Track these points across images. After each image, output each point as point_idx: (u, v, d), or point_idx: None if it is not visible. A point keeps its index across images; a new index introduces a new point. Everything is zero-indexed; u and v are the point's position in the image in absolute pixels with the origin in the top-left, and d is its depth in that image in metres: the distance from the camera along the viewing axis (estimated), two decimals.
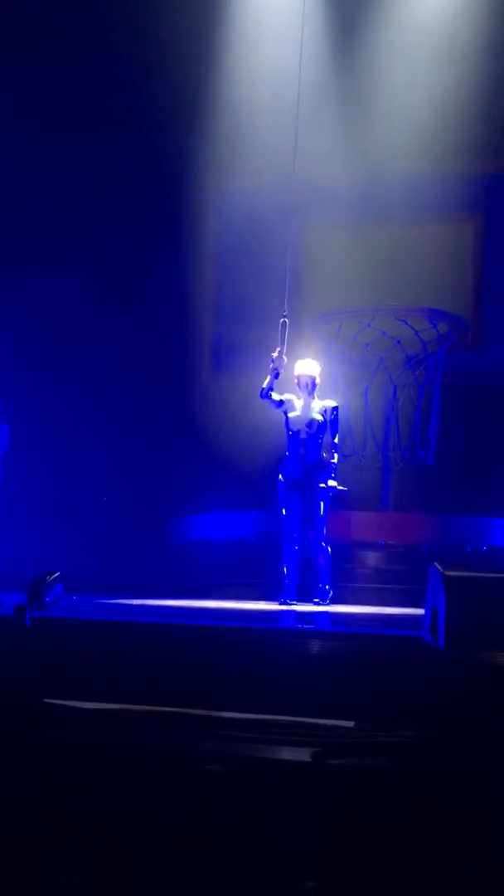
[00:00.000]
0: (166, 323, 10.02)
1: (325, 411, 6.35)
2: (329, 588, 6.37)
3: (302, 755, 3.01)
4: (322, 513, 6.35)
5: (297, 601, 6.33)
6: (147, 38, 9.33)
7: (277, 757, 3.05)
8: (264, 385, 6.21)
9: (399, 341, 8.66)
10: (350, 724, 3.22)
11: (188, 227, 10.29)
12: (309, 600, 6.36)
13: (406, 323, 8.52)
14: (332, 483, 6.31)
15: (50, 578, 3.96)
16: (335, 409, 6.41)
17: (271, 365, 6.18)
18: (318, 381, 6.38)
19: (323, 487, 6.28)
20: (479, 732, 2.98)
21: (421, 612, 3.98)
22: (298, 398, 6.34)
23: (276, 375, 6.17)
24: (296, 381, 6.36)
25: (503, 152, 9.36)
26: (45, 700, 3.42)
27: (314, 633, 3.85)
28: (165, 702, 3.46)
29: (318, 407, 6.36)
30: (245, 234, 9.98)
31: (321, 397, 6.46)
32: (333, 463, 6.36)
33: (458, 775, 2.69)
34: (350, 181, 9.34)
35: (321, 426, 6.32)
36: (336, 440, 6.41)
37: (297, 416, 6.30)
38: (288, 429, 6.32)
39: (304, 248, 9.94)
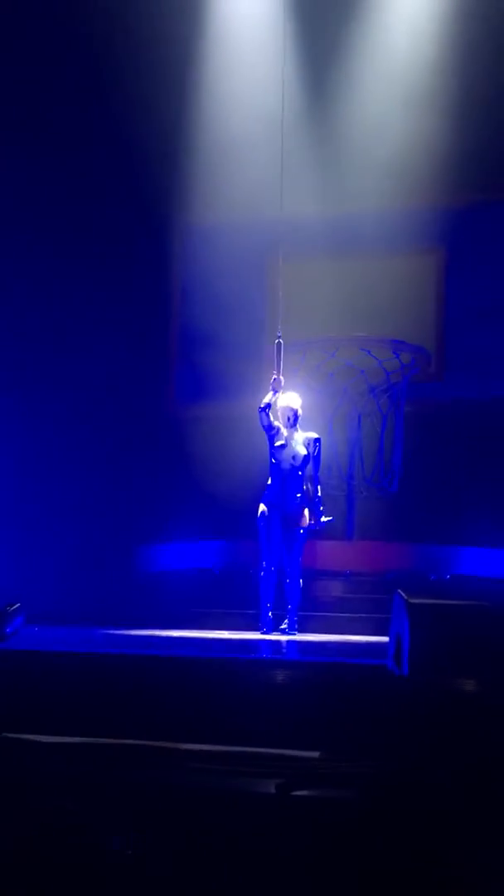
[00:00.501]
0: (135, 352, 10.02)
1: (309, 444, 6.40)
2: (296, 619, 6.39)
3: (267, 787, 2.98)
4: (301, 544, 6.34)
5: (276, 631, 6.34)
6: (127, 73, 9.44)
7: (242, 789, 3.02)
8: (265, 400, 6.32)
9: (363, 371, 8.74)
10: (315, 754, 3.20)
11: (160, 258, 10.36)
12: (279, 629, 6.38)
13: (370, 353, 8.59)
14: (323, 519, 6.39)
15: (10, 609, 3.90)
16: (317, 440, 6.47)
17: (271, 384, 6.33)
18: (300, 413, 6.41)
19: (309, 524, 6.35)
20: (445, 760, 2.98)
21: (386, 640, 3.99)
22: (283, 430, 6.37)
23: (276, 392, 6.32)
24: (279, 413, 6.35)
25: (464, 188, 9.57)
26: (4, 735, 3.36)
27: (278, 663, 3.83)
28: (129, 734, 3.41)
29: (302, 439, 6.42)
30: (215, 266, 10.08)
31: (303, 429, 6.50)
32: (319, 497, 6.42)
33: (425, 804, 2.68)
34: (318, 216, 9.49)
35: (305, 459, 6.38)
36: (318, 473, 6.46)
37: (282, 447, 6.33)
38: (272, 458, 6.34)
39: (272, 281, 10.06)
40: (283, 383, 6.37)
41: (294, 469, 6.35)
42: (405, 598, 3.39)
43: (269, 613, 6.40)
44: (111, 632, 6.24)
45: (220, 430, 9.52)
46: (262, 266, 10.06)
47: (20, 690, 3.61)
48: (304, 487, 6.41)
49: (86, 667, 3.80)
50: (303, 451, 6.36)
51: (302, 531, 6.42)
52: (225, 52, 9.87)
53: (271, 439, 6.38)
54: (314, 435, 6.50)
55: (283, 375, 6.44)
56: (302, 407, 6.53)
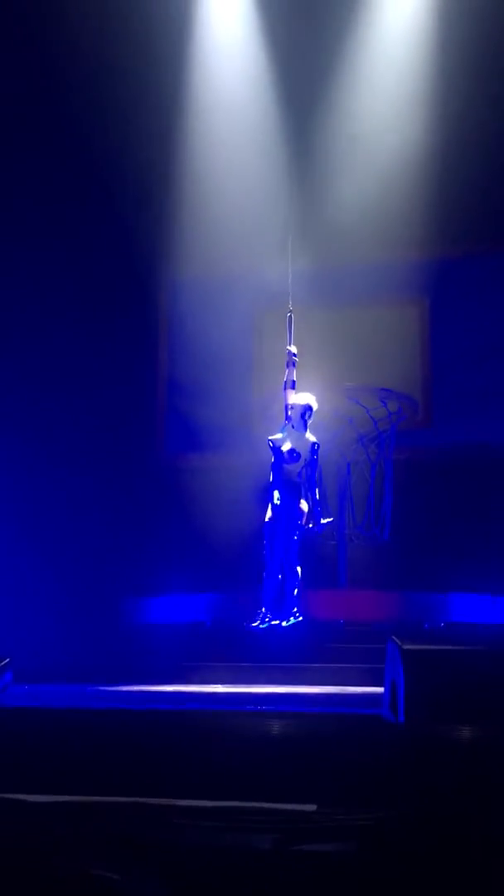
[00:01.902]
0: (124, 403, 10.06)
1: (307, 447, 6.44)
2: (297, 608, 6.55)
3: (263, 843, 2.91)
4: (297, 541, 6.55)
5: (274, 617, 6.51)
6: (115, 124, 9.65)
7: (238, 845, 2.94)
8: (287, 378, 6.63)
9: (351, 420, 8.79)
10: (312, 807, 3.13)
11: (148, 310, 10.47)
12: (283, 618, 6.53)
13: (357, 402, 8.65)
14: (323, 521, 6.42)
15: None
16: (312, 445, 6.43)
17: (287, 361, 6.66)
18: (307, 415, 6.55)
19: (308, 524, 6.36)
20: (444, 809, 2.92)
21: (381, 690, 3.94)
22: (292, 428, 6.49)
23: (293, 364, 6.58)
24: (291, 409, 6.56)
25: (446, 240, 9.76)
26: None
27: (273, 714, 3.77)
28: (121, 792, 3.34)
29: (302, 440, 6.49)
30: (204, 318, 10.19)
31: (312, 431, 6.61)
32: (318, 500, 6.46)
33: (425, 855, 2.62)
34: (303, 267, 9.63)
35: (298, 456, 6.44)
36: (315, 475, 6.46)
37: (285, 443, 6.41)
38: (274, 454, 6.48)
39: (259, 332, 10.18)
40: (296, 353, 6.60)
41: (290, 465, 6.41)
42: (399, 644, 3.35)
43: (270, 599, 6.57)
44: (101, 688, 6.14)
45: (210, 480, 9.52)
46: (250, 318, 10.19)
47: (9, 749, 3.53)
48: (301, 488, 6.46)
49: (76, 723, 3.73)
50: (299, 450, 6.39)
51: (298, 532, 6.45)
52: (212, 108, 10.10)
53: (274, 443, 6.46)
54: (312, 439, 6.57)
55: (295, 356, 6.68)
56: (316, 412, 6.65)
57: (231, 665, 7.16)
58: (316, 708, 4.34)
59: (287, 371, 6.54)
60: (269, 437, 6.55)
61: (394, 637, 3.47)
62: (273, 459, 6.51)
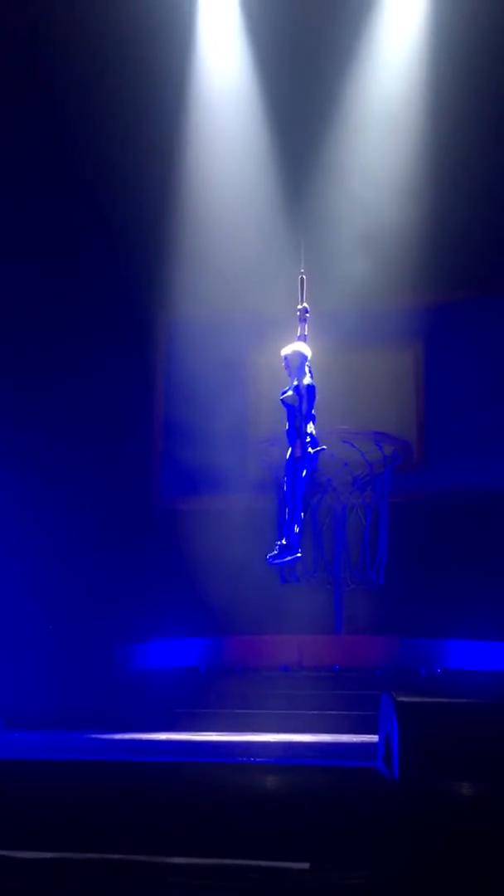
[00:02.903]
0: (117, 447, 10.06)
1: (299, 388, 6.55)
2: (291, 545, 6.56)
3: None
4: (291, 471, 6.57)
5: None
6: (113, 166, 9.79)
7: None
8: (299, 333, 6.72)
9: (346, 463, 8.79)
10: (305, 865, 3.07)
11: (142, 353, 10.51)
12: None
13: (352, 445, 8.66)
14: (311, 450, 6.53)
15: None
16: (296, 386, 6.54)
17: (298, 316, 6.78)
18: (295, 363, 6.58)
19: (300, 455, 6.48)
20: (439, 867, 2.86)
21: (376, 738, 3.89)
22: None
23: (304, 320, 6.74)
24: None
25: (439, 286, 9.88)
26: None
27: (266, 768, 3.71)
28: (111, 848, 3.27)
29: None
30: (198, 361, 10.24)
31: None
32: (311, 434, 6.54)
33: None
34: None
35: (291, 403, 6.52)
36: (302, 409, 6.55)
37: (286, 393, 6.57)
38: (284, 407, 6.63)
39: (253, 375, 10.23)
40: (307, 310, 6.75)
41: (292, 410, 6.48)
42: (393, 696, 3.31)
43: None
44: (93, 736, 6.05)
45: (204, 523, 9.49)
46: (244, 360, 10.24)
47: None
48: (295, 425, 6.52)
49: (65, 777, 3.66)
50: (289, 393, 6.52)
51: (295, 472, 6.53)
52: (208, 151, 10.26)
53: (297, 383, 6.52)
54: (304, 383, 6.59)
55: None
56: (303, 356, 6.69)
57: (224, 712, 7.07)
58: (310, 760, 4.27)
59: (300, 326, 6.73)
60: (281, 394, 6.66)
61: (388, 690, 3.42)
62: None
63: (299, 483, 6.62)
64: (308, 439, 6.58)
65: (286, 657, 7.79)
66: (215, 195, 10.21)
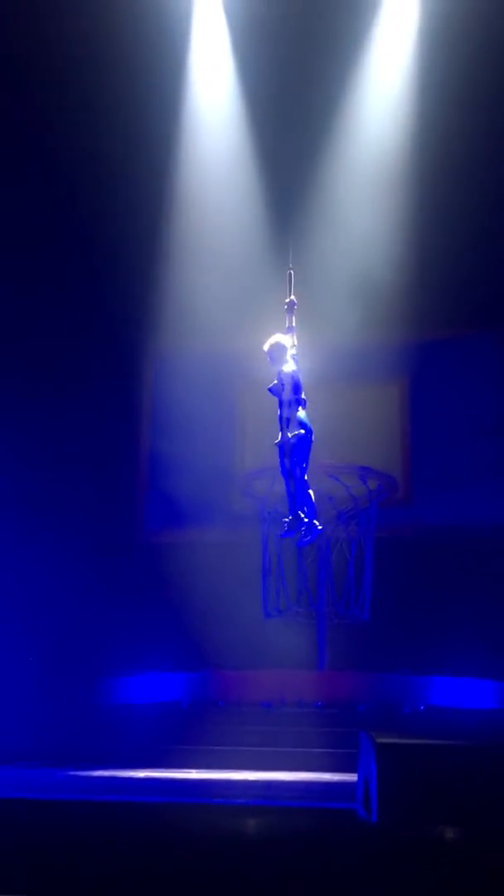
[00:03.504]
0: (102, 480, 10.05)
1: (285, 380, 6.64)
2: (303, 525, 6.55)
3: None
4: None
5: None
6: (105, 205, 9.88)
7: None
8: (287, 324, 6.71)
9: (331, 498, 8.79)
10: None
11: (129, 387, 10.54)
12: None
13: (337, 479, 8.67)
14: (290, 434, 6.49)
15: None
16: (278, 373, 6.59)
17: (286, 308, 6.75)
18: (275, 353, 6.58)
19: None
20: None
21: (356, 777, 3.86)
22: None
23: (291, 312, 6.73)
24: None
25: (424, 324, 9.99)
26: None
27: (245, 811, 3.67)
28: (90, 891, 3.22)
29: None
30: (184, 394, 10.27)
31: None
32: (289, 417, 6.51)
33: None
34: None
35: (273, 390, 6.56)
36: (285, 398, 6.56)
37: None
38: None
39: (240, 409, 10.27)
40: (295, 302, 6.73)
41: (279, 399, 6.56)
42: (372, 738, 3.29)
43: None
44: (72, 773, 5.97)
45: (188, 557, 9.47)
46: (231, 394, 10.29)
47: None
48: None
49: (42, 818, 3.61)
50: (275, 382, 6.57)
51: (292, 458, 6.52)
52: (198, 188, 10.37)
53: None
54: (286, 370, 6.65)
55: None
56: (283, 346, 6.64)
57: (206, 748, 7.00)
58: (289, 802, 4.24)
59: (287, 317, 6.75)
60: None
61: (366, 730, 3.40)
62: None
63: (294, 465, 6.66)
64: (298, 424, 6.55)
65: (268, 693, 7.74)
66: (204, 231, 10.31)
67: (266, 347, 6.67)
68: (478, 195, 9.78)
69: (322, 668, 8.69)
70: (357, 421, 9.74)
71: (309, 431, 6.61)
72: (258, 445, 9.96)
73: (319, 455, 8.80)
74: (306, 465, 6.66)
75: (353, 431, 9.60)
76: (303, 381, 6.64)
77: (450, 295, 9.70)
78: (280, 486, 8.79)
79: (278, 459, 6.66)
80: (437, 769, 3.35)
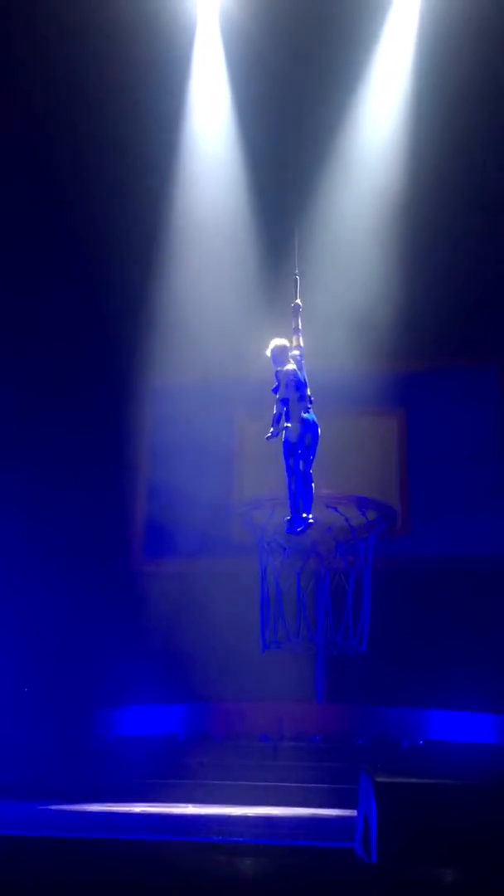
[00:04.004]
0: (98, 510, 10.02)
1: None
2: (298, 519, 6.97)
3: None
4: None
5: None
6: (99, 237, 9.95)
7: None
8: (293, 325, 7.19)
9: (330, 528, 8.76)
10: None
11: (128, 416, 10.54)
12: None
13: (336, 510, 8.64)
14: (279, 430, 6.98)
15: None
16: (276, 373, 7.05)
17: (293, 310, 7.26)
18: (274, 355, 7.04)
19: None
20: None
21: (355, 813, 3.80)
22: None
23: (297, 314, 7.20)
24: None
25: (423, 355, 10.04)
26: None
27: (243, 850, 3.61)
28: None
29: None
30: (182, 424, 10.28)
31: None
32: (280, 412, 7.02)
33: None
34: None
35: (275, 389, 7.01)
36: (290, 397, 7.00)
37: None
38: None
39: (239, 438, 10.28)
40: (300, 305, 7.20)
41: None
42: (371, 776, 3.25)
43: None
44: (66, 808, 5.88)
45: (186, 588, 9.43)
46: (230, 424, 10.30)
47: None
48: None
49: (36, 853, 3.55)
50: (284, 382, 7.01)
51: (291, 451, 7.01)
52: (194, 221, 10.46)
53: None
54: (287, 368, 7.07)
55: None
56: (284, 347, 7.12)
57: (203, 783, 6.92)
58: (287, 841, 4.17)
59: (294, 319, 7.20)
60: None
61: (367, 768, 3.36)
62: None
63: (299, 459, 7.07)
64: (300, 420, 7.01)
65: (266, 726, 7.66)
66: (201, 260, 10.39)
67: (269, 349, 7.08)
68: (472, 230, 9.89)
69: (320, 700, 8.61)
70: (355, 451, 9.74)
71: (315, 426, 7.05)
72: (257, 475, 9.96)
73: (318, 485, 8.83)
74: (313, 457, 7.08)
75: (351, 461, 9.59)
76: (307, 380, 7.12)
77: (450, 325, 9.77)
78: (278, 517, 8.82)
79: (283, 457, 7.08)
80: (438, 809, 3.29)
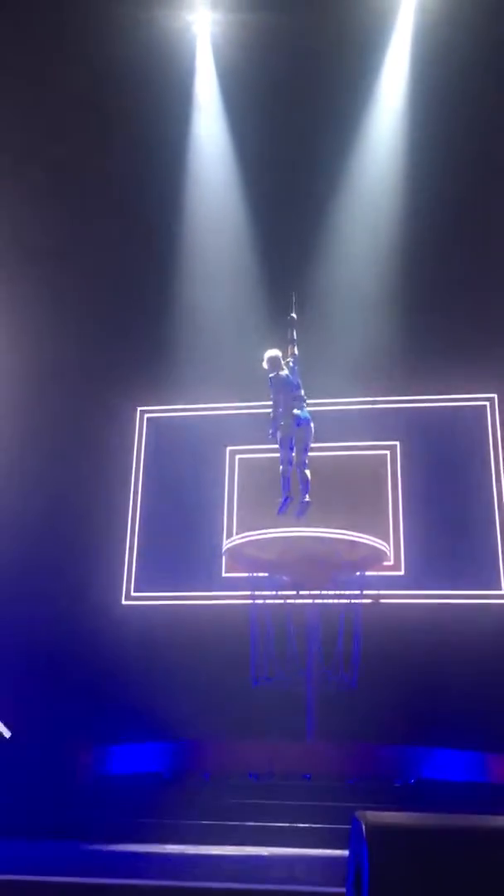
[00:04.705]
0: (84, 547, 9.95)
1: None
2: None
3: None
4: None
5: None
6: (101, 264, 10.05)
7: None
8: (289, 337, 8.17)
9: (322, 564, 8.69)
10: None
11: (116, 448, 10.51)
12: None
13: (328, 546, 8.57)
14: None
15: None
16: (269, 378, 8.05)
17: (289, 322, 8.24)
18: (267, 364, 8.03)
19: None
20: None
21: (346, 853, 3.70)
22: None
23: (293, 325, 8.17)
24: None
25: (416, 389, 10.09)
26: None
27: (230, 894, 3.50)
28: None
29: None
30: (173, 454, 10.25)
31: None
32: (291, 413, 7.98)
33: None
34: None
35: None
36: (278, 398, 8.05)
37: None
38: None
39: (230, 472, 10.25)
40: (296, 318, 8.11)
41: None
42: (361, 820, 3.15)
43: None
44: (49, 844, 5.73)
45: (174, 623, 9.34)
46: (220, 458, 10.27)
47: None
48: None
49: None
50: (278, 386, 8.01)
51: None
52: (192, 250, 10.56)
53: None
54: (278, 374, 8.07)
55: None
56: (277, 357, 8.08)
57: (189, 823, 6.75)
58: (275, 885, 4.06)
59: (290, 331, 8.14)
60: None
61: (358, 813, 3.26)
62: None
63: (289, 453, 7.98)
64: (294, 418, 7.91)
65: (255, 764, 7.53)
66: (197, 291, 10.45)
67: (265, 359, 8.01)
68: (469, 266, 10.00)
69: (311, 736, 8.48)
70: (348, 485, 9.72)
71: (308, 421, 8.03)
72: (247, 510, 9.92)
73: (311, 520, 8.80)
74: (308, 448, 8.04)
75: (344, 496, 9.57)
76: (301, 382, 8.04)
77: (444, 359, 9.83)
78: (267, 554, 8.77)
79: (280, 450, 8.08)
80: (432, 853, 3.19)
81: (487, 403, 10.24)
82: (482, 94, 9.67)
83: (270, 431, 8.02)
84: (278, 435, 8.02)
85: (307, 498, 8.02)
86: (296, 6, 9.62)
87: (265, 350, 8.33)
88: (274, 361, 7.99)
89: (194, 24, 10.19)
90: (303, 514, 8.05)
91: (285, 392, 7.96)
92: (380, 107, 10.48)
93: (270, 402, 8.18)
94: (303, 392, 8.05)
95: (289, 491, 7.94)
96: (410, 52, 10.27)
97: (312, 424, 8.09)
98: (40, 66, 9.72)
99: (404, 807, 6.62)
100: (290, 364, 8.08)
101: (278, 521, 8.42)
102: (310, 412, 8.17)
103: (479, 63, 9.53)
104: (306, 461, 8.07)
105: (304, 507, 8.03)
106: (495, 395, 10.19)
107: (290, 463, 8.01)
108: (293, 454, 8.00)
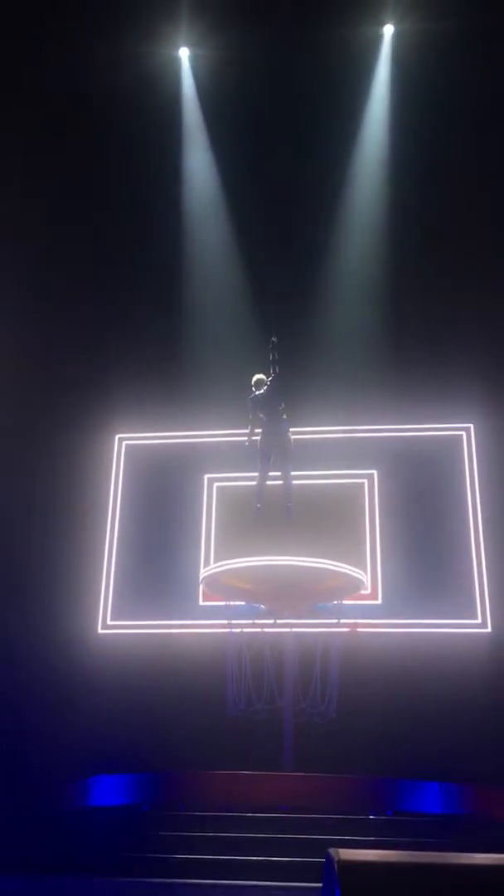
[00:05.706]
0: (62, 575, 9.90)
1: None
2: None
3: None
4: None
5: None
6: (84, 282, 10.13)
7: None
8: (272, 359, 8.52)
9: (299, 591, 8.69)
10: None
11: (94, 475, 10.49)
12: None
13: (305, 575, 8.57)
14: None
15: None
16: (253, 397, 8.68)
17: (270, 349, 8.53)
18: (256, 386, 8.70)
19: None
20: None
21: (319, 886, 3.68)
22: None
23: (274, 347, 8.46)
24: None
25: (393, 418, 10.17)
26: None
27: None
28: None
29: None
30: (148, 485, 10.25)
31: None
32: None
33: None
34: (254, 439, 9.88)
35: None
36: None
37: None
38: None
39: (209, 500, 10.26)
40: (276, 340, 8.44)
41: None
42: (334, 856, 3.14)
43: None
44: (24, 881, 5.65)
45: (150, 652, 9.29)
46: (198, 486, 10.28)
47: None
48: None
49: None
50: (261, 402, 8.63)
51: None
52: (174, 287, 10.67)
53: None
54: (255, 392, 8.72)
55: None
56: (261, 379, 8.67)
57: (164, 857, 6.68)
58: None
59: (271, 353, 8.45)
60: None
61: (332, 841, 3.25)
62: None
63: (267, 462, 8.62)
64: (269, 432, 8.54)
65: (231, 796, 7.46)
66: (177, 318, 10.53)
67: (252, 382, 8.70)
68: (448, 299, 10.16)
69: (288, 768, 8.42)
70: (326, 515, 9.76)
71: (286, 433, 8.62)
72: (225, 538, 9.92)
73: (288, 548, 8.81)
74: (289, 457, 8.63)
75: (322, 525, 9.60)
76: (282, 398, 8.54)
77: (423, 405, 9.97)
78: (244, 582, 8.77)
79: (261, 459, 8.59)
80: (404, 891, 3.18)
81: (464, 433, 10.34)
82: (463, 116, 9.93)
83: (246, 440, 8.67)
84: (258, 446, 8.59)
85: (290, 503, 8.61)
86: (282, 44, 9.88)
87: (246, 377, 8.72)
88: (259, 383, 8.71)
89: (180, 58, 10.48)
90: (290, 516, 8.62)
91: (265, 409, 8.59)
92: (365, 139, 10.70)
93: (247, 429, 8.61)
94: (282, 406, 8.63)
95: (262, 499, 8.50)
96: (390, 85, 10.52)
97: (291, 436, 8.67)
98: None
99: (381, 839, 6.58)
100: (272, 382, 8.60)
101: (256, 550, 8.43)
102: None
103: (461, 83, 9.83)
104: (289, 467, 8.65)
105: (289, 511, 8.59)
106: (471, 425, 10.28)
107: (267, 471, 8.60)
108: (269, 462, 8.61)
